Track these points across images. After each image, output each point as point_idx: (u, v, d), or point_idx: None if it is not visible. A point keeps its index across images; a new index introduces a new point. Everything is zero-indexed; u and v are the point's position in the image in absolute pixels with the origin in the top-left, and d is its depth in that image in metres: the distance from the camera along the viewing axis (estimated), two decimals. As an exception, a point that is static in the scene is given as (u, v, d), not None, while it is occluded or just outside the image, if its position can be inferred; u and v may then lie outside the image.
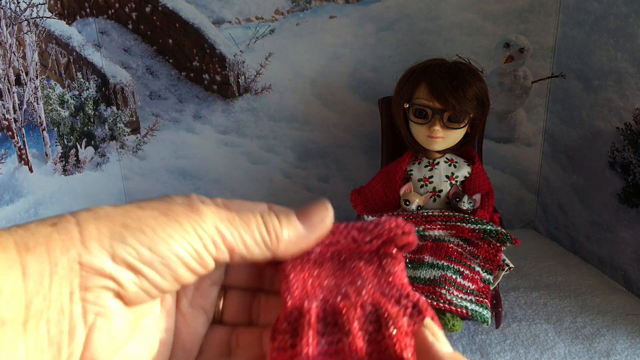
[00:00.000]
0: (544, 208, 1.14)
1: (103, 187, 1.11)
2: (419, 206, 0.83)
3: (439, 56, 0.86)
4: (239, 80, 1.07)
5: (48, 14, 0.99)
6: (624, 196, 0.91)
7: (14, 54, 0.96)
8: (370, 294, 0.30)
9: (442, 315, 0.67)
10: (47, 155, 1.03)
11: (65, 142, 1.05)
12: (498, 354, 0.77)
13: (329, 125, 1.10)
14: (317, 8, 1.04)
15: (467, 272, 0.71)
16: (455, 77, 0.79)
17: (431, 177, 0.85)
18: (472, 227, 0.76)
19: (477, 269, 0.73)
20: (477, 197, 0.83)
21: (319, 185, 1.13)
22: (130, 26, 1.04)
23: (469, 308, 0.68)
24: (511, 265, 0.75)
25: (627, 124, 0.88)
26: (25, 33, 0.97)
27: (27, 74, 0.98)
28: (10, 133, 0.96)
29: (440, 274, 0.69)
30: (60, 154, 1.05)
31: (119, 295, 0.24)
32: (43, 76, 1.01)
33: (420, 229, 0.76)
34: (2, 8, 0.93)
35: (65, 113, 1.04)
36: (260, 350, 0.30)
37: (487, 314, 0.69)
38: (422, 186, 0.85)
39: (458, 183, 0.85)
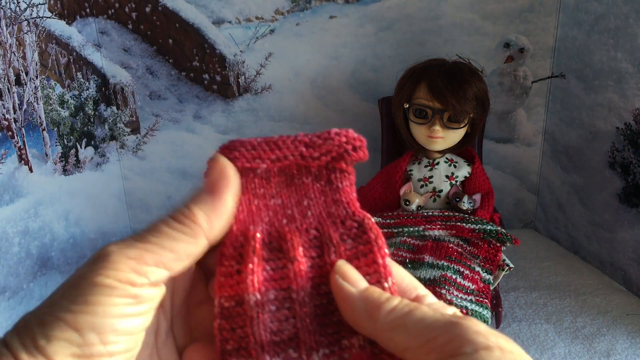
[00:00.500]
0: (544, 208, 1.14)
1: (103, 187, 1.11)
2: (419, 206, 0.83)
3: (439, 56, 0.86)
4: (239, 80, 1.07)
5: (48, 13, 0.99)
6: (624, 196, 0.91)
7: (14, 54, 0.96)
8: (316, 215, 0.29)
9: (442, 315, 0.67)
10: (47, 155, 1.03)
11: (65, 142, 1.05)
12: (498, 354, 0.77)
13: (329, 125, 1.09)
14: (317, 8, 1.04)
15: (467, 272, 0.71)
16: (455, 77, 0.79)
17: (431, 177, 0.85)
18: (472, 227, 0.76)
19: (477, 269, 0.73)
20: (477, 197, 0.83)
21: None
22: (130, 26, 1.04)
23: (469, 308, 0.68)
24: (511, 265, 0.75)
25: (627, 124, 0.88)
26: (25, 33, 0.97)
27: (27, 74, 0.98)
28: (10, 133, 0.96)
29: (440, 274, 0.69)
30: (60, 154, 1.05)
31: None
32: (43, 76, 1.00)
33: (421, 229, 0.76)
34: (2, 8, 0.93)
35: (65, 113, 1.04)
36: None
37: (487, 314, 0.69)
38: (422, 186, 0.85)
39: (458, 183, 0.85)
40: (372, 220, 0.30)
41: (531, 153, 1.12)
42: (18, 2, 0.95)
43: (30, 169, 1.01)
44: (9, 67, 0.95)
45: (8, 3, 0.93)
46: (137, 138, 1.11)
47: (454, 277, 0.70)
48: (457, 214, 0.80)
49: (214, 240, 0.26)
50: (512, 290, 0.92)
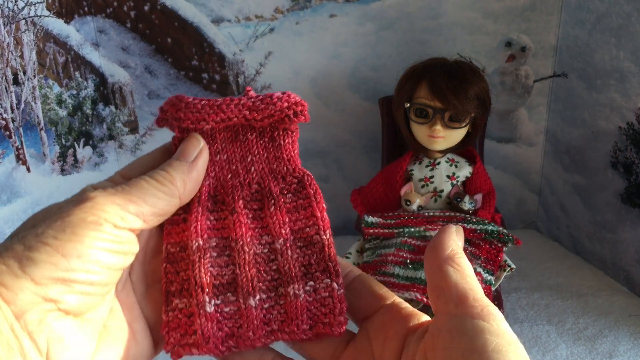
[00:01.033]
0: (545, 208, 1.14)
1: (101, 187, 1.11)
2: (420, 206, 0.82)
3: (440, 55, 0.85)
4: (239, 79, 1.06)
5: (46, 12, 0.99)
6: (626, 196, 0.90)
7: (12, 53, 0.95)
8: (259, 171, 0.32)
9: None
10: (45, 155, 1.03)
11: (63, 142, 1.05)
12: (500, 356, 0.76)
13: (329, 124, 1.09)
14: (317, 7, 1.03)
15: (468, 273, 0.70)
16: (457, 77, 0.79)
17: (432, 177, 0.84)
18: (473, 227, 0.75)
19: (479, 269, 0.72)
20: (479, 197, 0.83)
21: (319, 185, 1.12)
22: (128, 25, 1.04)
23: (471, 309, 0.67)
24: (513, 266, 0.74)
25: (630, 124, 0.87)
26: (23, 32, 0.97)
27: (24, 73, 0.98)
28: (7, 133, 0.96)
29: (441, 275, 0.69)
30: (58, 154, 1.04)
31: (64, 311, 0.24)
32: (41, 75, 1.00)
33: (422, 229, 0.76)
34: (-1, 6, 0.92)
35: (63, 112, 1.03)
36: None
37: (488, 315, 0.68)
38: (423, 186, 0.84)
39: (459, 183, 0.85)
40: (312, 176, 0.32)
41: (533, 153, 1.11)
42: (16, 1, 0.94)
43: (28, 169, 1.00)
44: (7, 66, 0.95)
45: (5, 1, 0.93)
46: (135, 138, 1.10)
47: (455, 278, 0.69)
48: (458, 214, 0.80)
49: (184, 201, 0.29)
50: (514, 291, 0.91)
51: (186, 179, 0.29)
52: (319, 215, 0.32)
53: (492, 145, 1.10)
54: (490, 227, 0.75)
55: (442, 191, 0.84)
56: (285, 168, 0.32)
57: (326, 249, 0.31)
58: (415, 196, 0.82)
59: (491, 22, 1.02)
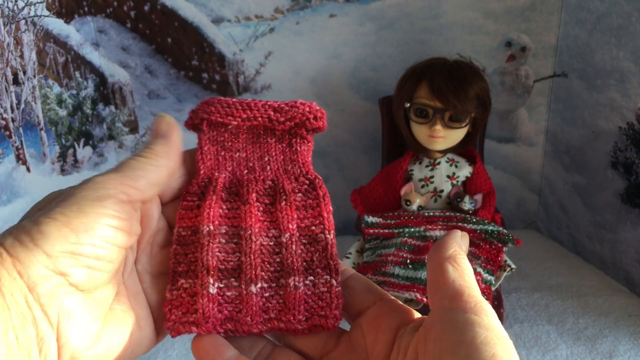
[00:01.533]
0: (545, 208, 1.13)
1: (101, 187, 1.11)
2: (420, 206, 0.82)
3: (440, 55, 0.85)
4: (239, 79, 1.06)
5: (46, 12, 0.99)
6: (626, 196, 0.90)
7: (12, 53, 0.95)
8: (274, 170, 0.34)
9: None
10: (45, 155, 1.03)
11: (63, 142, 1.04)
12: (500, 356, 0.76)
13: (329, 124, 1.08)
14: (317, 7, 1.03)
15: (468, 273, 0.70)
16: (457, 77, 0.79)
17: (432, 177, 0.84)
18: (473, 227, 0.75)
19: (479, 269, 0.72)
20: (479, 197, 0.82)
21: (319, 185, 1.12)
22: (128, 25, 1.04)
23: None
24: (513, 266, 0.74)
25: (630, 124, 0.87)
26: (23, 32, 0.96)
27: (24, 73, 0.98)
28: (7, 133, 0.96)
29: (441, 275, 0.69)
30: (58, 154, 1.04)
31: (74, 286, 0.26)
32: (41, 75, 1.00)
33: (422, 229, 0.76)
34: (-1, 6, 0.92)
35: (63, 112, 1.03)
36: None
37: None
38: (423, 186, 0.84)
39: (459, 183, 0.84)
40: (322, 180, 0.34)
41: (533, 153, 1.11)
42: (16, 1, 0.94)
43: (28, 169, 1.00)
44: (7, 66, 0.95)
45: (5, 1, 0.93)
46: (135, 138, 1.10)
47: (455, 278, 0.69)
48: (458, 214, 0.80)
49: (172, 170, 0.32)
50: (514, 291, 0.91)
51: (168, 150, 0.31)
52: (325, 215, 0.33)
53: (492, 145, 1.10)
54: (490, 227, 0.75)
55: (442, 191, 0.84)
56: (299, 170, 0.34)
57: (329, 247, 0.32)
58: (415, 196, 0.82)
59: (491, 22, 1.02)
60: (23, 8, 0.95)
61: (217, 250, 0.31)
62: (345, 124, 1.09)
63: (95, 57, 1.04)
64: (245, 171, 0.34)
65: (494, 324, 0.25)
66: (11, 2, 0.93)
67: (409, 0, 1.02)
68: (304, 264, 0.32)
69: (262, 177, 0.33)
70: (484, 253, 0.73)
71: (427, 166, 0.85)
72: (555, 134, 1.07)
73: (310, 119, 0.34)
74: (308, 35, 1.04)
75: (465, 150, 0.87)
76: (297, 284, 0.31)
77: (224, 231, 0.32)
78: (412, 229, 0.76)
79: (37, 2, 0.97)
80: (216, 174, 0.33)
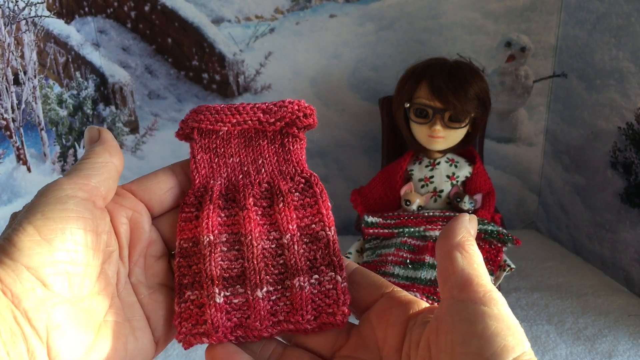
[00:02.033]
0: (545, 208, 1.14)
1: (102, 187, 1.11)
2: (420, 206, 0.82)
3: (440, 55, 0.85)
4: (239, 79, 1.06)
5: (46, 12, 0.99)
6: (626, 196, 0.90)
7: (12, 53, 0.95)
8: (269, 172, 0.34)
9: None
10: (45, 155, 1.03)
11: (64, 142, 1.05)
12: (499, 356, 0.76)
13: (329, 124, 1.09)
14: (317, 7, 1.03)
15: (468, 272, 0.70)
16: (456, 77, 0.79)
17: (432, 177, 0.84)
18: (473, 227, 0.75)
19: (479, 269, 0.72)
20: (478, 197, 0.83)
21: (319, 185, 1.12)
22: (129, 25, 1.04)
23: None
24: (512, 265, 0.74)
25: (629, 124, 0.87)
26: (24, 32, 0.97)
27: (25, 73, 0.98)
28: (8, 133, 0.96)
29: (441, 274, 0.69)
30: (58, 154, 1.04)
31: (59, 295, 0.26)
32: (41, 75, 1.00)
33: (421, 229, 0.76)
34: (0, 7, 0.93)
35: (63, 112, 1.03)
36: None
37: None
38: (422, 186, 0.85)
39: (459, 183, 0.85)
40: (318, 177, 0.34)
41: (532, 153, 1.11)
42: (16, 1, 0.94)
43: (29, 169, 1.00)
44: (7, 66, 0.95)
45: (6, 2, 0.93)
46: (136, 138, 1.10)
47: (455, 278, 0.69)
48: (458, 214, 0.80)
49: (118, 166, 0.32)
50: (514, 291, 0.91)
51: (105, 147, 0.32)
52: (324, 212, 0.33)
53: (492, 145, 1.10)
54: (490, 227, 0.75)
55: (442, 191, 0.84)
56: (293, 169, 0.34)
57: (331, 244, 0.33)
58: (415, 196, 0.82)
59: (491, 22, 1.02)
60: (24, 8, 0.96)
61: (219, 259, 0.32)
62: (345, 124, 1.09)
63: (95, 57, 1.04)
64: (240, 176, 0.34)
65: (504, 312, 0.26)
66: (12, 2, 0.93)
67: (408, 0, 1.02)
68: (308, 263, 0.32)
69: (257, 180, 0.34)
70: (484, 253, 0.74)
71: (427, 166, 0.85)
72: (555, 134, 1.07)
73: (300, 117, 0.33)
74: (308, 36, 1.04)
75: (465, 150, 0.87)
76: (302, 284, 0.32)
77: (224, 239, 0.32)
78: (412, 229, 0.76)
79: (38, 3, 0.97)
80: (211, 182, 0.33)
